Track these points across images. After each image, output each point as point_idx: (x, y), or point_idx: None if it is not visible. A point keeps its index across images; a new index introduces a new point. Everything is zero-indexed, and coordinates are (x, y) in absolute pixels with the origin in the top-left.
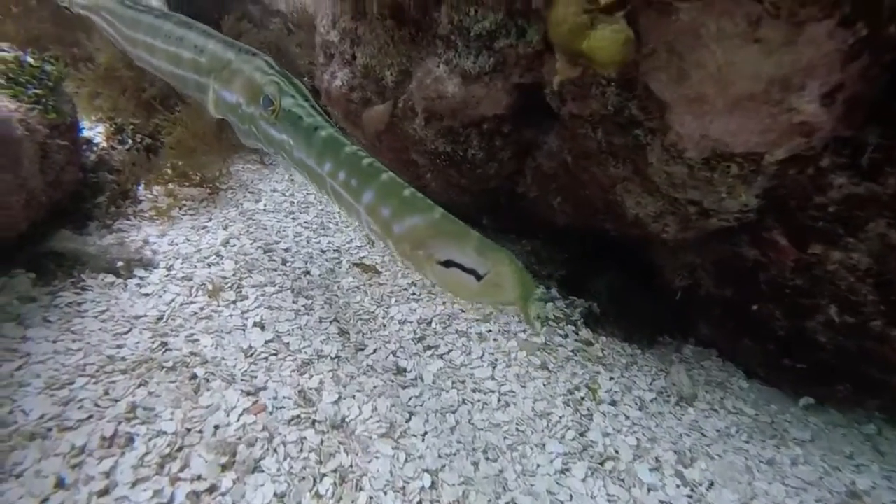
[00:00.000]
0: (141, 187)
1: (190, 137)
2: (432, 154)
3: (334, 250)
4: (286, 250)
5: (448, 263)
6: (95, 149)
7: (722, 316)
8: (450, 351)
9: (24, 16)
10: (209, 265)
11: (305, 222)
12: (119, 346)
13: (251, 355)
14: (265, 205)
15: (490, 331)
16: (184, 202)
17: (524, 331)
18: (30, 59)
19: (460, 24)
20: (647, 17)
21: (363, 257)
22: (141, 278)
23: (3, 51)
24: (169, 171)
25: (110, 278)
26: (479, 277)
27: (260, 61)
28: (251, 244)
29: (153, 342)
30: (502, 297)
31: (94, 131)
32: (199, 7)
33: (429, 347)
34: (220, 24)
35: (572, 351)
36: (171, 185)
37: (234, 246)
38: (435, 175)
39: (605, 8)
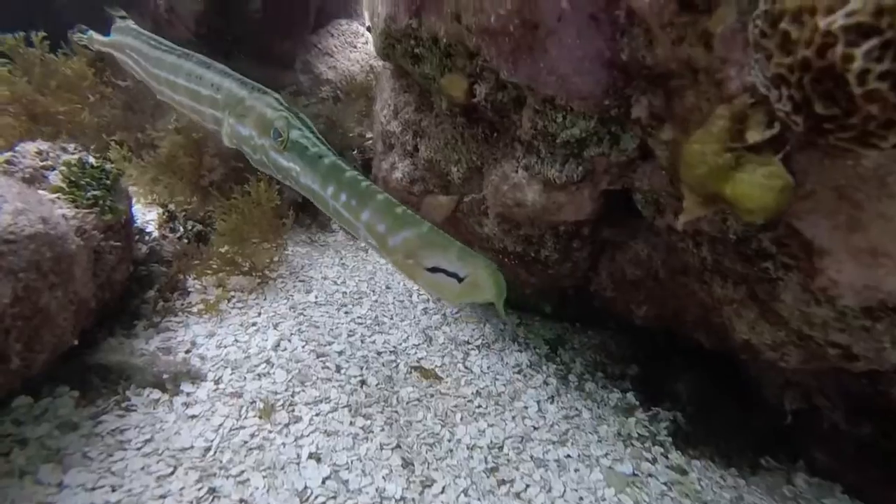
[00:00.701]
0: (190, 277)
1: (244, 224)
2: (500, 252)
3: (391, 351)
4: (340, 353)
5: (434, 269)
6: (147, 239)
7: (857, 457)
8: (527, 487)
9: (98, 103)
10: (259, 376)
11: (359, 317)
12: (162, 497)
13: (307, 499)
14: (316, 296)
15: (569, 456)
16: (232, 293)
17: (606, 455)
18: (91, 160)
19: (545, 130)
20: (809, 157)
21: (421, 359)
22: (188, 394)
23: (69, 152)
24: (218, 260)
25: (156, 394)
26: (460, 280)
27: (270, 98)
28: (303, 347)
29: (199, 488)
30: (481, 295)
31: (148, 218)
32: (252, 78)
33: (503, 482)
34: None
35: (666, 484)
36: (220, 274)
37: (284, 350)
38: None
39: (755, 147)
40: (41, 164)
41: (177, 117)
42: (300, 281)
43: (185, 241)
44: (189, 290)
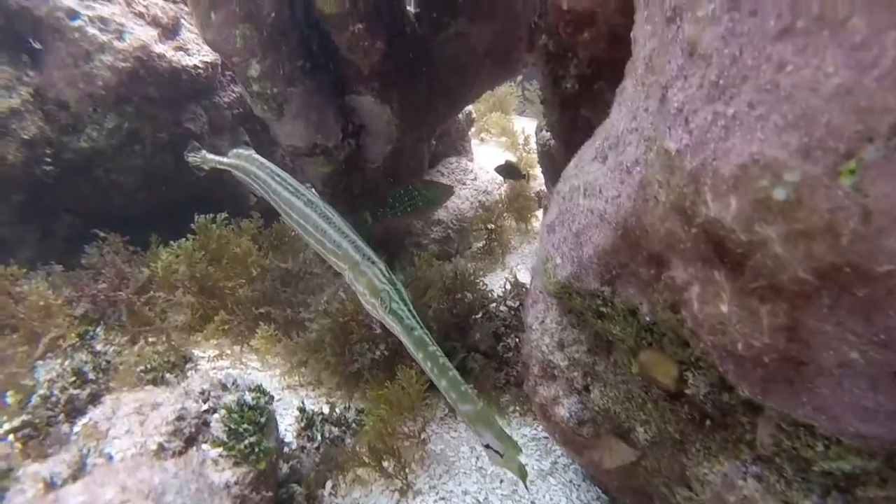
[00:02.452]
0: (326, 492)
1: (395, 416)
2: None
3: None
4: None
5: (487, 446)
6: (287, 452)
7: None
8: None
9: (258, 276)
10: None
11: None
12: None
13: None
14: None
15: None
16: None
17: None
18: (248, 399)
19: (794, 453)
20: None
21: None
22: None
23: (228, 389)
24: (363, 458)
25: None
26: (501, 455)
27: (377, 269)
28: None
29: None
30: (511, 468)
31: (287, 422)
32: (366, 230)
33: None
34: (392, 261)
35: None
36: (360, 471)
37: None
38: None
39: None
40: (204, 407)
41: (327, 299)
42: (441, 499)
43: (323, 450)
44: None
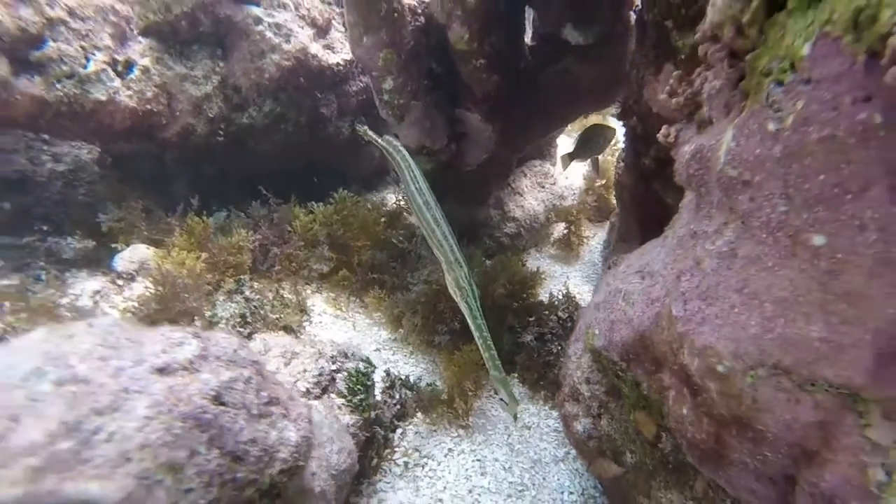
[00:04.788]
0: (396, 436)
1: (461, 374)
2: None
3: None
4: None
5: (501, 399)
6: (375, 400)
7: None
8: None
9: (380, 244)
10: None
11: None
12: None
13: None
14: (489, 482)
15: None
16: (425, 460)
17: None
18: (361, 367)
19: (713, 500)
20: None
21: None
22: None
23: (349, 358)
24: (440, 399)
25: None
26: (507, 404)
27: (462, 273)
28: None
29: None
30: (510, 412)
31: (379, 374)
32: (451, 216)
33: None
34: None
35: None
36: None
37: None
38: None
39: None
40: (333, 367)
41: (428, 272)
42: (477, 460)
43: (399, 406)
44: (395, 448)
